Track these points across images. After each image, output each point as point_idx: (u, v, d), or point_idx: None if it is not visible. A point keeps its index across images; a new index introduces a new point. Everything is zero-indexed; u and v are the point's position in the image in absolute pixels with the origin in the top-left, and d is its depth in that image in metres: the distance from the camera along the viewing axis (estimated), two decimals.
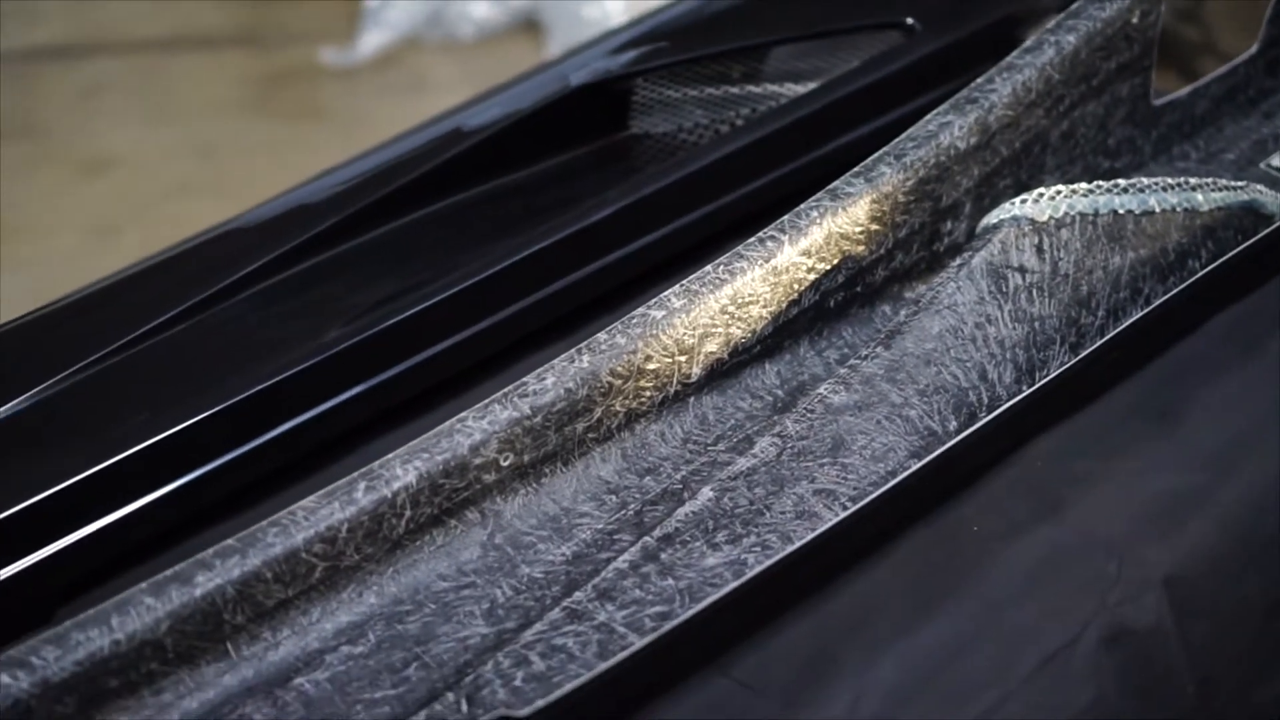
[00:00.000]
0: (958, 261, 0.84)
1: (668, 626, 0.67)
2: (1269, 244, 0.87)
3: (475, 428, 0.71)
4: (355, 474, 0.69)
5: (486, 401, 0.72)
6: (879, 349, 0.80)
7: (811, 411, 0.77)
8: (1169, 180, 0.88)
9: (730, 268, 0.79)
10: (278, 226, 0.90)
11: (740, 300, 0.79)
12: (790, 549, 0.71)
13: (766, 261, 0.80)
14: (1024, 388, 0.80)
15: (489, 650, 0.68)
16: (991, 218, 0.86)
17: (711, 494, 0.74)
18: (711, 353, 0.79)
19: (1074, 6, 0.91)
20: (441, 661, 0.68)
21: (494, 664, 0.67)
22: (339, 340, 0.82)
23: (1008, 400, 0.79)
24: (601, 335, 0.75)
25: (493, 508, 0.73)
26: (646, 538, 0.72)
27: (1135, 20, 0.92)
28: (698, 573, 0.71)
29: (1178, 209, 0.88)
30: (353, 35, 2.76)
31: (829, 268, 0.83)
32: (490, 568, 0.72)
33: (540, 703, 0.63)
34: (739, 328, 0.80)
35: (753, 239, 0.80)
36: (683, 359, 0.78)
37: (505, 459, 0.72)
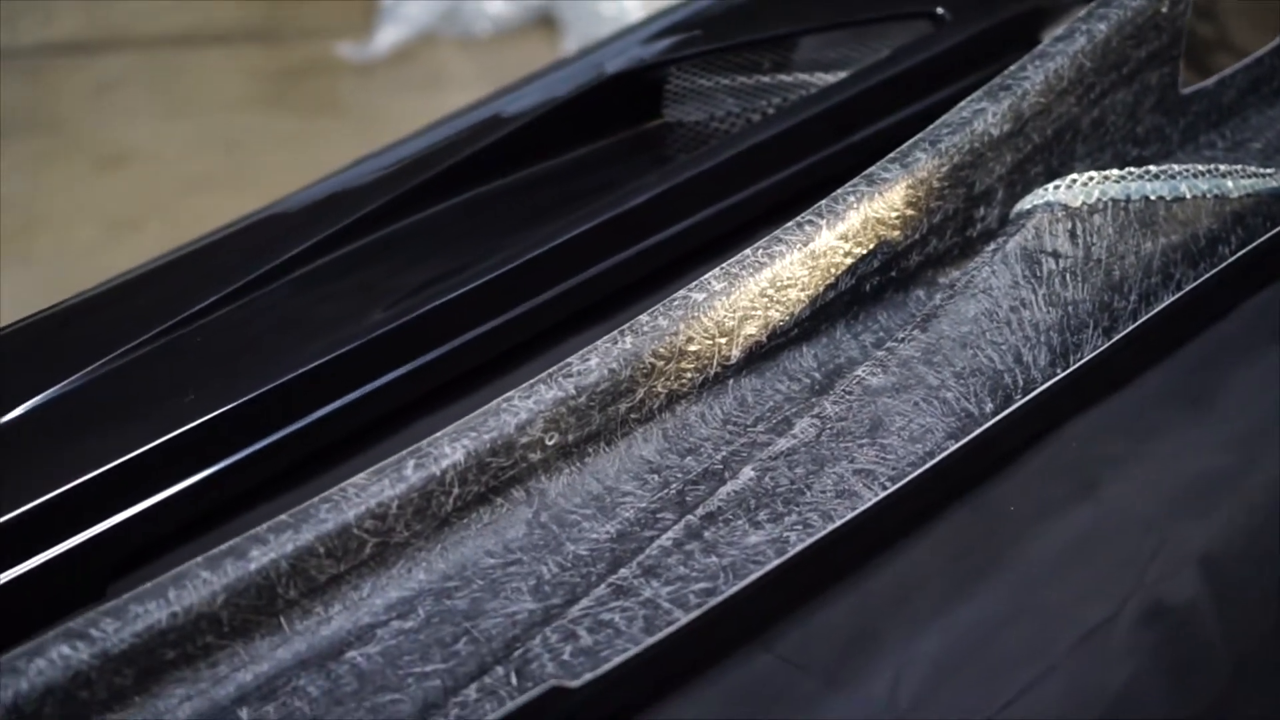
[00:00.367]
0: (992, 246, 0.84)
1: (712, 603, 0.68)
2: None
3: (521, 407, 0.72)
4: (405, 452, 0.70)
5: (532, 381, 0.73)
6: (915, 332, 0.81)
7: (850, 393, 0.78)
8: (1199, 167, 0.89)
9: (769, 251, 0.80)
10: (320, 211, 0.91)
11: (779, 284, 0.80)
12: (831, 527, 0.72)
13: (804, 245, 0.80)
14: (1058, 371, 0.81)
15: (537, 625, 0.69)
16: (1025, 203, 0.86)
17: (753, 473, 0.75)
18: (750, 335, 0.80)
19: None
20: (490, 636, 0.69)
21: (542, 639, 0.68)
22: (383, 322, 0.83)
23: (1043, 383, 0.80)
24: (643, 317, 0.76)
25: (538, 486, 0.74)
26: (689, 516, 0.73)
27: (1165, 9, 0.93)
28: (740, 550, 0.72)
29: (1208, 195, 0.89)
30: (369, 31, 2.77)
31: (865, 252, 0.83)
32: (536, 545, 0.73)
33: (588, 676, 0.64)
34: (777, 311, 0.81)
35: (791, 223, 0.81)
36: (723, 341, 0.79)
37: (550, 438, 0.73)
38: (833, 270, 0.82)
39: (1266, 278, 0.88)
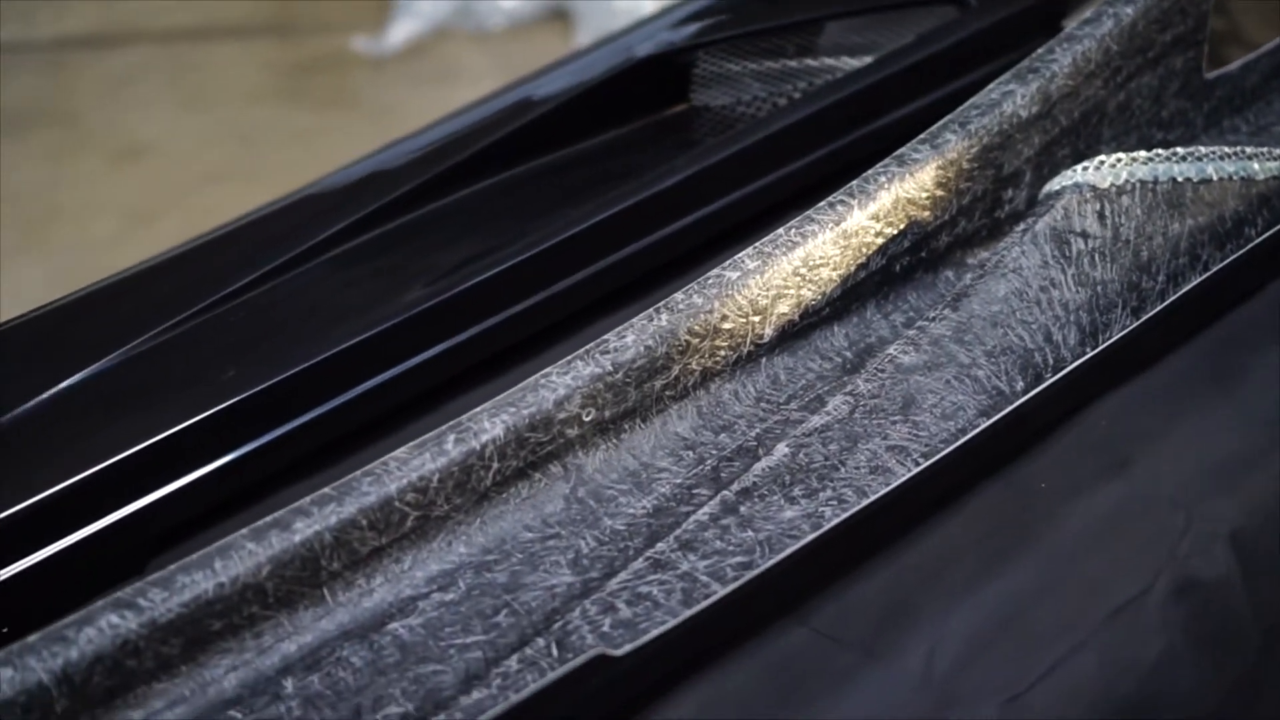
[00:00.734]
0: (1022, 226, 0.85)
1: (749, 575, 0.69)
2: None
3: (559, 383, 0.73)
4: (445, 426, 0.71)
5: (570, 358, 0.74)
6: (946, 311, 0.82)
7: (882, 371, 0.79)
8: (1225, 149, 0.90)
9: (802, 230, 0.80)
10: (354, 194, 0.92)
11: (811, 263, 0.81)
12: (865, 503, 0.72)
13: (836, 225, 0.81)
14: (1088, 350, 0.82)
15: (576, 598, 0.70)
16: (1054, 184, 0.87)
17: (787, 450, 0.76)
18: (783, 314, 0.81)
19: None
20: (530, 609, 0.70)
21: (581, 611, 0.69)
22: (419, 302, 0.84)
23: (1072, 362, 0.81)
24: (678, 295, 0.77)
25: (575, 462, 0.75)
26: (725, 492, 0.74)
27: None
28: (776, 525, 0.72)
29: (1234, 177, 0.89)
30: (383, 25, 2.78)
31: (896, 232, 0.84)
32: (574, 519, 0.74)
33: (628, 647, 0.64)
34: (810, 289, 0.81)
35: (823, 203, 0.82)
36: (756, 319, 0.79)
37: (587, 414, 0.74)
38: (864, 250, 0.83)
39: None
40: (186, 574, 0.64)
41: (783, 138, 0.98)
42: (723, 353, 0.79)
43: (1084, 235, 0.85)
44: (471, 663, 0.67)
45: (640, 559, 0.71)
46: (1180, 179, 0.87)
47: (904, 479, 0.73)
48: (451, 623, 0.69)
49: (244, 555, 0.65)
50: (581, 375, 0.74)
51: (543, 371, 0.73)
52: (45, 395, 0.78)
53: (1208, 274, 0.86)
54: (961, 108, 0.87)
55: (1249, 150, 0.90)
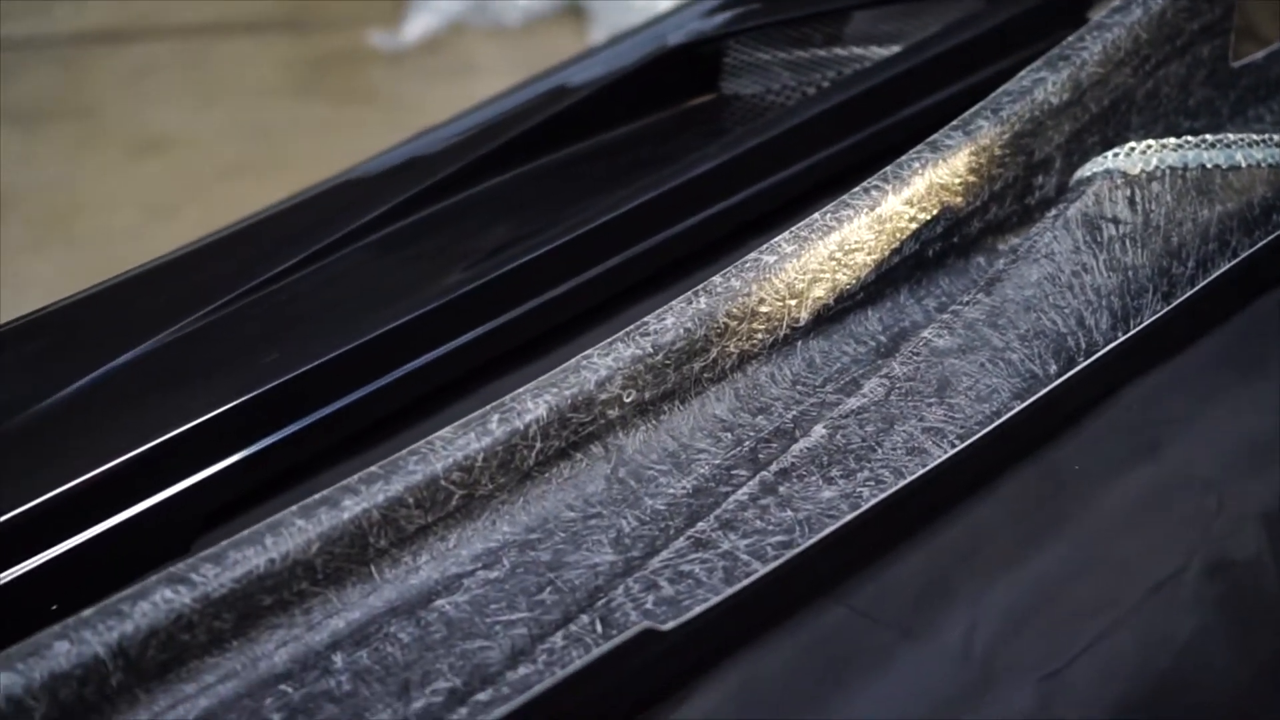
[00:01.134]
0: (1053, 212, 0.86)
1: (789, 555, 0.70)
2: None
3: (600, 364, 0.74)
4: (489, 406, 0.72)
5: (610, 339, 0.75)
6: (980, 295, 0.82)
7: (917, 354, 0.80)
8: (1254, 136, 0.91)
9: (837, 215, 0.81)
10: (392, 179, 0.93)
11: (846, 247, 0.81)
12: (902, 484, 0.73)
13: (871, 210, 0.82)
14: (1119, 334, 0.83)
15: (618, 576, 0.71)
16: (1085, 170, 0.88)
17: (824, 431, 0.76)
18: (819, 298, 0.82)
19: None
20: (574, 586, 0.71)
21: (624, 588, 0.69)
22: (458, 286, 0.84)
23: (1104, 346, 0.81)
24: (717, 278, 0.78)
25: (615, 442, 0.76)
26: (764, 472, 0.75)
27: None
28: (815, 505, 0.73)
29: (1263, 164, 0.90)
30: (399, 21, 2.79)
31: (929, 218, 0.85)
32: (615, 499, 0.75)
33: (674, 622, 0.65)
34: (845, 274, 0.82)
35: (857, 188, 0.83)
36: (792, 303, 0.80)
37: (628, 395, 0.75)
38: (898, 235, 0.84)
39: None
40: (238, 550, 0.65)
41: (812, 126, 0.99)
42: (760, 336, 0.80)
43: (1115, 221, 0.85)
44: (517, 639, 0.68)
45: (681, 538, 0.72)
46: (1209, 165, 0.88)
47: (940, 460, 0.74)
48: (497, 600, 0.70)
49: (294, 532, 0.66)
50: (622, 357, 0.74)
51: (584, 353, 0.74)
52: (90, 378, 0.79)
53: (1237, 260, 0.87)
54: (993, 94, 0.88)
55: (1277, 138, 0.91)
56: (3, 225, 2.32)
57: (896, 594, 0.72)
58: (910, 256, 0.85)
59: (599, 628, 0.68)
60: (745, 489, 0.74)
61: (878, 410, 0.77)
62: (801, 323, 0.81)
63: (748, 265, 0.79)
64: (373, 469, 0.69)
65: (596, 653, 0.62)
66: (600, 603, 0.69)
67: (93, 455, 0.75)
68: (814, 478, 0.74)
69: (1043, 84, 0.88)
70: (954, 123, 0.86)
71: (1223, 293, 0.86)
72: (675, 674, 0.68)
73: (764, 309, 0.79)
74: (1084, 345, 0.82)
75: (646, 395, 0.76)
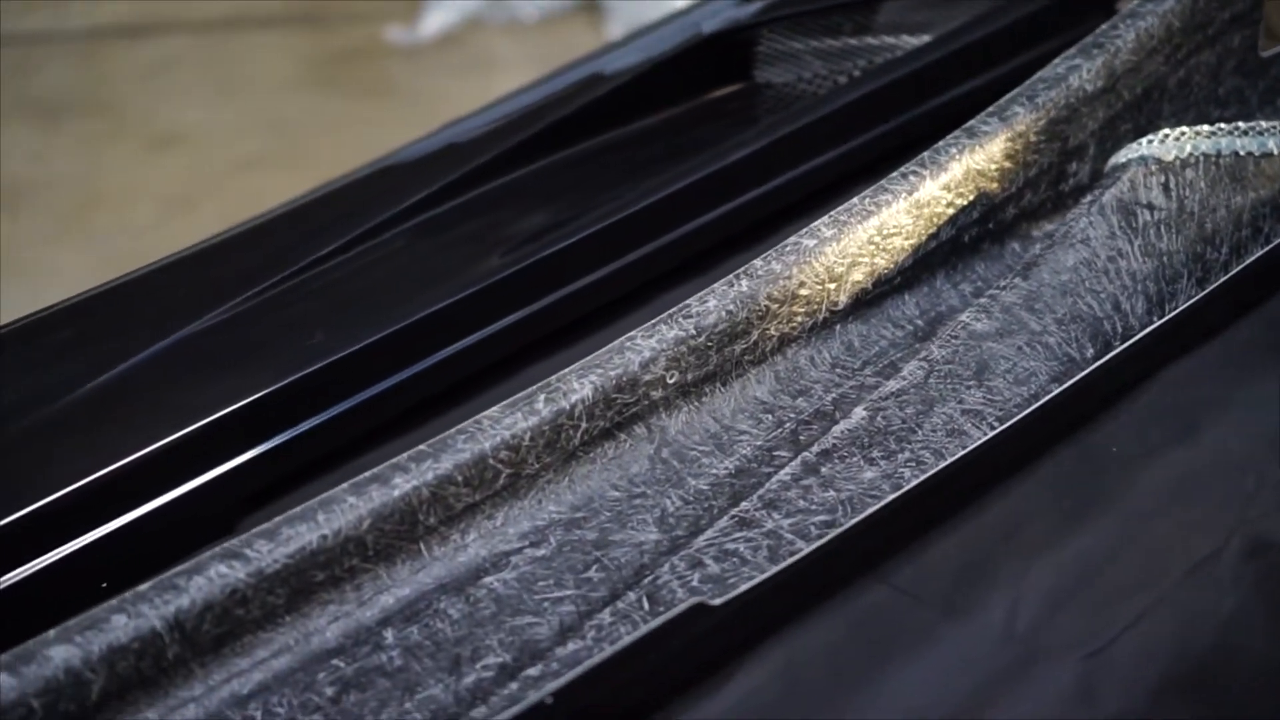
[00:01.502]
0: (1089, 198, 0.87)
1: (833, 534, 0.70)
2: None
3: (644, 345, 0.75)
4: (535, 386, 0.72)
5: (653, 321, 0.76)
6: (1017, 279, 0.83)
7: (955, 337, 0.80)
8: None
9: (876, 200, 0.82)
10: (432, 165, 0.94)
11: (885, 231, 0.82)
12: (942, 465, 0.74)
13: (909, 195, 0.83)
14: (1155, 318, 0.83)
15: (663, 555, 0.72)
16: (1120, 156, 0.89)
17: (865, 413, 0.77)
18: (857, 281, 0.82)
19: None
20: (620, 564, 0.71)
21: (670, 566, 0.70)
22: (499, 269, 0.85)
23: (1140, 330, 0.82)
24: (757, 261, 0.79)
25: (659, 423, 0.77)
26: (805, 453, 0.75)
27: None
28: (857, 485, 0.74)
29: None
30: (415, 16, 2.79)
31: (965, 203, 0.86)
32: (659, 479, 0.75)
33: (724, 598, 0.66)
34: (883, 258, 0.83)
35: (895, 173, 0.83)
36: (832, 286, 0.81)
37: (671, 376, 0.76)
38: (935, 220, 0.85)
39: None
40: (291, 526, 0.66)
41: (846, 114, 1.00)
42: (800, 319, 0.80)
43: (1150, 207, 0.86)
44: (565, 616, 0.69)
45: (725, 517, 0.72)
46: (1242, 153, 0.89)
47: (980, 442, 0.75)
48: (544, 577, 0.71)
49: (345, 508, 0.67)
50: (665, 338, 0.75)
51: (628, 334, 0.75)
52: (136, 360, 0.80)
53: (1270, 246, 0.88)
54: (1029, 81, 0.89)
55: None
56: (23, 218, 2.33)
57: (938, 573, 0.73)
58: (947, 242, 0.86)
59: (646, 605, 0.68)
60: (787, 469, 0.75)
61: (917, 392, 0.78)
62: (840, 306, 0.82)
63: (788, 249, 0.79)
64: (422, 447, 0.70)
65: (648, 627, 0.62)
66: (646, 580, 0.70)
67: (139, 436, 0.76)
68: (855, 458, 0.75)
69: (1077, 71, 0.89)
70: (990, 109, 0.87)
71: (1256, 278, 0.86)
72: (721, 650, 0.68)
73: (804, 292, 0.80)
74: (1120, 329, 0.82)
75: (689, 377, 0.77)
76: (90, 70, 2.73)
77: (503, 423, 0.71)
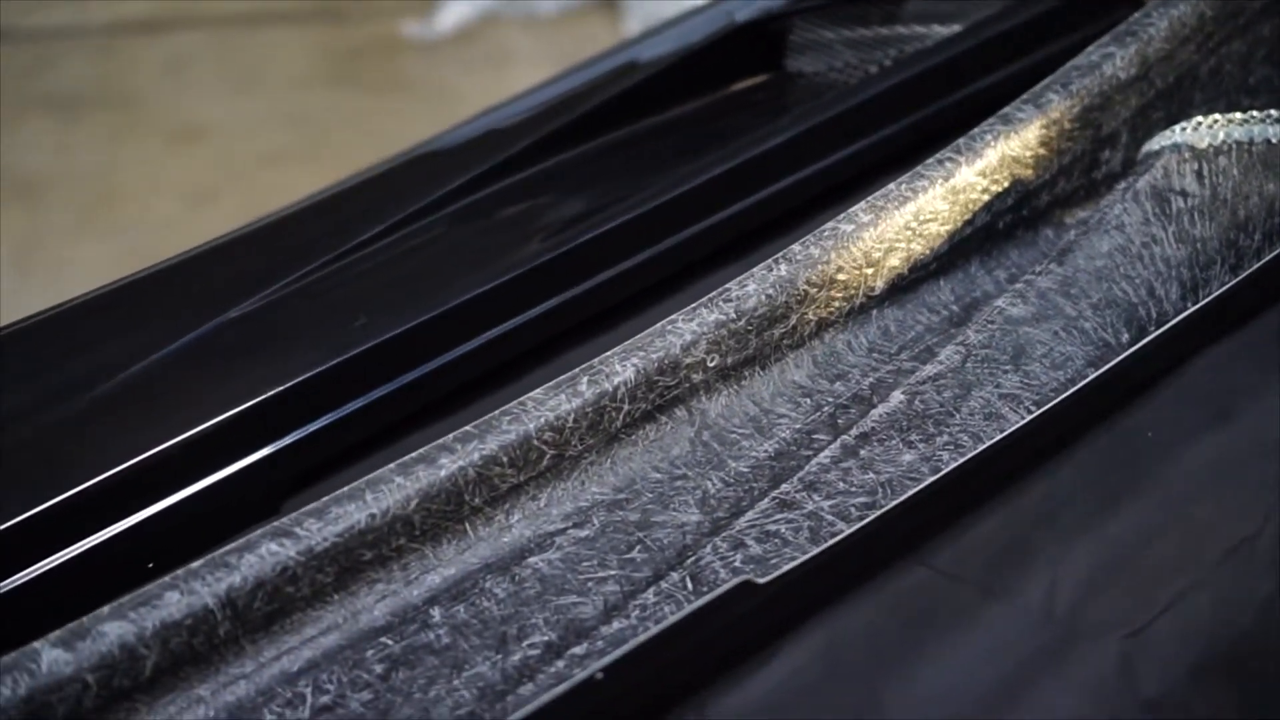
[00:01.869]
0: (1123, 184, 0.87)
1: (873, 516, 0.71)
2: None
3: (685, 329, 0.75)
4: (578, 369, 0.73)
5: (694, 305, 0.76)
6: (1052, 265, 0.84)
7: (992, 322, 0.81)
8: None
9: (913, 185, 0.82)
10: (468, 152, 0.94)
11: (922, 217, 0.83)
12: (981, 448, 0.74)
13: (946, 181, 0.83)
14: (1189, 304, 0.84)
15: (706, 536, 0.72)
16: (1153, 144, 0.89)
17: (903, 397, 0.78)
18: (894, 267, 0.83)
19: None
20: (663, 545, 0.72)
21: (712, 547, 0.71)
22: (538, 255, 0.86)
23: (1174, 316, 0.82)
24: (796, 246, 0.79)
25: (699, 406, 0.77)
26: (844, 436, 0.76)
27: None
28: (896, 468, 0.75)
29: None
30: (432, 11, 2.80)
31: (1001, 190, 0.86)
32: (699, 462, 0.76)
33: (770, 576, 0.66)
34: (919, 244, 0.83)
35: (931, 159, 0.84)
36: (869, 271, 0.81)
37: (711, 360, 0.76)
38: (971, 206, 0.85)
39: None
40: (339, 505, 0.67)
41: (879, 103, 1.00)
42: (837, 303, 0.81)
43: (1183, 194, 0.87)
44: (609, 595, 0.70)
45: (766, 499, 0.73)
46: (1275, 140, 0.89)
47: (1017, 426, 0.75)
48: (588, 557, 0.71)
49: (393, 488, 0.68)
50: (706, 321, 0.76)
51: (669, 318, 0.76)
52: (183, 342, 0.80)
53: None
54: (1062, 69, 0.89)
55: None
56: (44, 211, 2.34)
57: (977, 555, 0.74)
58: (982, 228, 0.86)
59: (689, 585, 0.69)
60: (827, 452, 0.75)
61: (954, 376, 0.79)
62: (877, 291, 0.83)
63: (826, 234, 0.80)
64: (467, 428, 0.70)
65: (696, 604, 0.63)
66: (689, 561, 0.70)
67: (186, 417, 0.76)
68: (894, 441, 0.76)
69: (1111, 59, 0.89)
70: (1024, 96, 0.87)
71: None
72: (764, 631, 0.69)
73: (841, 277, 0.80)
74: (1155, 315, 0.83)
75: (729, 360, 0.77)
76: (110, 65, 2.74)
77: (546, 404, 0.72)
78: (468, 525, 0.71)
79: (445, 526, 0.70)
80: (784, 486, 0.74)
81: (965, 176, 0.84)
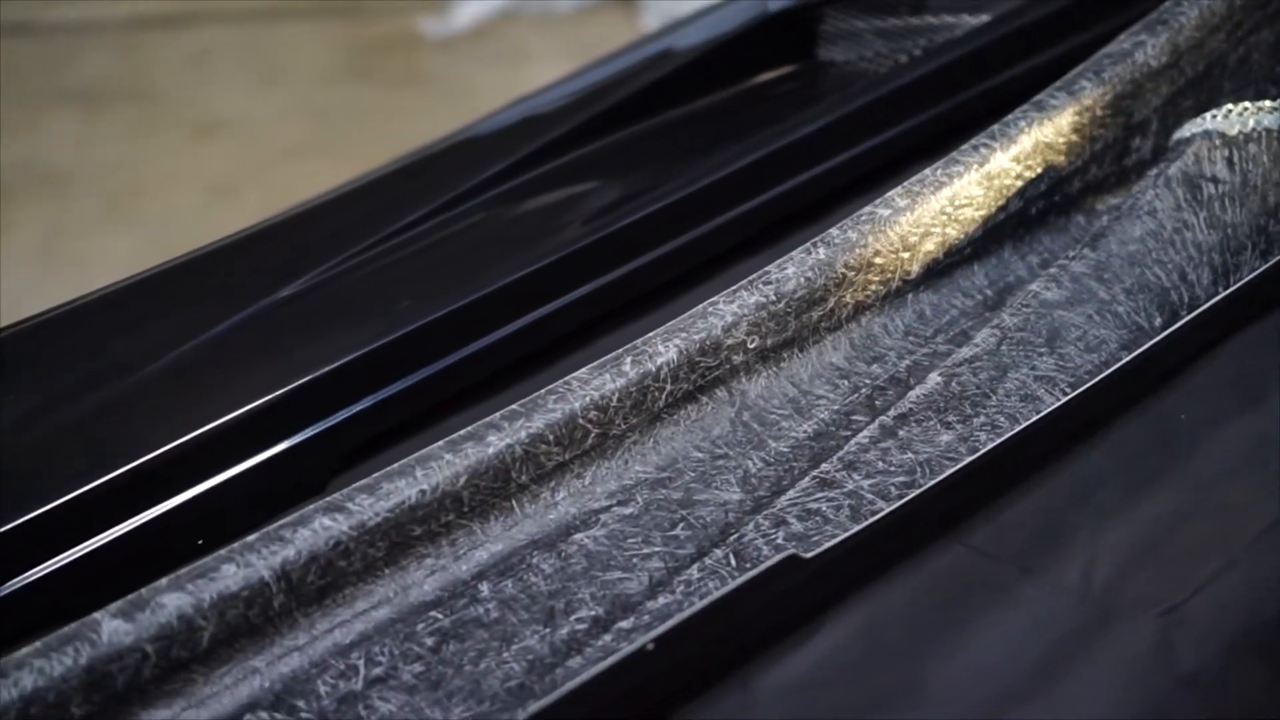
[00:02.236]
0: (1154, 171, 0.88)
1: (912, 494, 0.72)
2: None
3: (726, 310, 0.76)
4: (621, 349, 0.74)
5: (734, 287, 0.77)
6: (1085, 250, 0.85)
7: (1026, 306, 0.82)
8: None
9: (948, 171, 0.83)
10: (507, 139, 0.95)
11: (957, 202, 0.84)
12: (1017, 429, 0.75)
13: (980, 167, 0.84)
14: (1220, 289, 0.85)
15: (748, 514, 0.73)
16: (1184, 131, 0.90)
17: (940, 379, 0.79)
18: (929, 251, 0.84)
19: None
20: (705, 523, 0.73)
21: (755, 525, 0.72)
22: (574, 240, 0.87)
23: (1206, 300, 0.83)
24: (834, 230, 0.80)
25: (739, 387, 0.78)
26: (883, 417, 0.77)
27: None
28: (934, 448, 0.76)
29: None
30: (447, 7, 2.81)
31: (1034, 175, 0.87)
32: (740, 442, 0.77)
33: (815, 551, 0.67)
34: (954, 229, 0.84)
35: (966, 145, 0.85)
36: (905, 255, 0.83)
37: (751, 341, 0.77)
38: (1005, 191, 0.86)
39: None
40: (390, 481, 0.68)
41: (908, 92, 1.01)
42: (874, 287, 0.82)
43: (1214, 180, 0.87)
44: (654, 571, 0.71)
45: (806, 478, 0.74)
46: None
47: (1053, 408, 0.76)
48: (633, 535, 0.72)
49: (442, 465, 0.69)
50: (747, 304, 0.77)
51: (710, 300, 0.77)
52: (231, 322, 0.82)
53: None
54: (1094, 56, 0.90)
55: None
56: (69, 204, 2.36)
57: (1014, 534, 0.74)
58: (1015, 213, 0.87)
59: (733, 561, 0.70)
60: (865, 433, 0.76)
61: (990, 359, 0.80)
62: (912, 275, 0.84)
63: (863, 218, 0.81)
64: (514, 407, 0.71)
65: (744, 576, 0.64)
66: (732, 538, 0.71)
67: (233, 399, 0.77)
68: (932, 422, 0.77)
69: (1142, 47, 0.90)
70: (1057, 83, 0.88)
71: None
72: (806, 607, 0.70)
73: (879, 260, 0.81)
74: (1187, 299, 0.84)
75: (768, 342, 0.78)
76: (132, 60, 2.76)
77: (591, 384, 0.73)
78: (514, 502, 0.72)
79: (493, 503, 0.71)
80: (824, 466, 0.74)
81: (1000, 162, 0.85)
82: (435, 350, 0.82)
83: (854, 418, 0.79)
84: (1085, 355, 0.80)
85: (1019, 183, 0.86)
